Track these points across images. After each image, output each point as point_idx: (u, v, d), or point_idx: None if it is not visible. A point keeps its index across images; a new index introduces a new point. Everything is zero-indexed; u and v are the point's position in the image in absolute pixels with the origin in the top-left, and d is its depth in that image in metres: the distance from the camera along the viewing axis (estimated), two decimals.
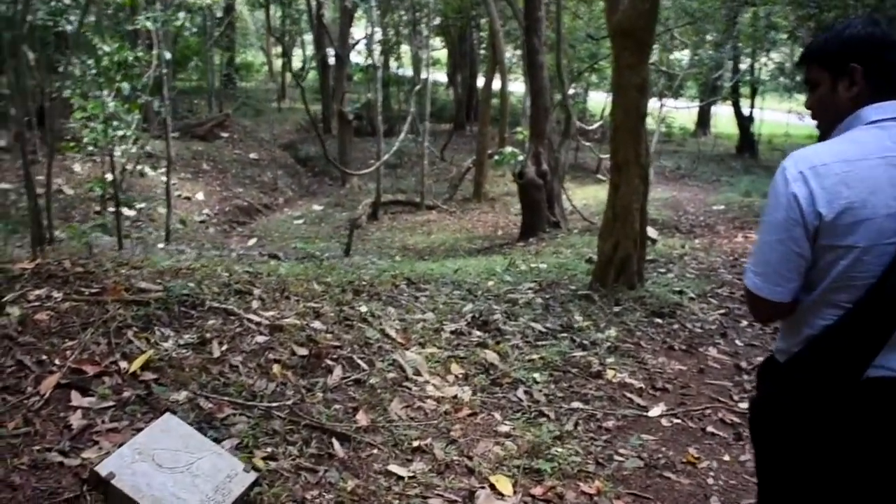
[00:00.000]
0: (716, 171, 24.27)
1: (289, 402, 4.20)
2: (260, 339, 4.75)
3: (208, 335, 4.61)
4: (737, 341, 6.55)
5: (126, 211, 9.90)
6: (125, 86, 8.86)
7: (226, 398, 4.07)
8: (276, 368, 4.46)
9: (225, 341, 4.61)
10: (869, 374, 2.07)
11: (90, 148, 9.40)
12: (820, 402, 2.15)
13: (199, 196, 19.00)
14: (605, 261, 7.23)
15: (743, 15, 19.25)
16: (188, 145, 21.81)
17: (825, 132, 2.24)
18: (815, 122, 2.30)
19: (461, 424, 4.41)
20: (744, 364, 5.97)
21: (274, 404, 4.14)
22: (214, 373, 4.28)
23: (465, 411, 4.59)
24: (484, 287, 7.34)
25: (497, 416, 4.62)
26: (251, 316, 4.99)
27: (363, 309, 5.76)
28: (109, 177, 9.80)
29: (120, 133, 9.37)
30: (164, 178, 14.30)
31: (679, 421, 4.89)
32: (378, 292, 6.49)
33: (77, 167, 16.32)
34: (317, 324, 5.20)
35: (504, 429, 4.44)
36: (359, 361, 4.87)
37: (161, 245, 12.61)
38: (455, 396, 4.74)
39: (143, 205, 13.90)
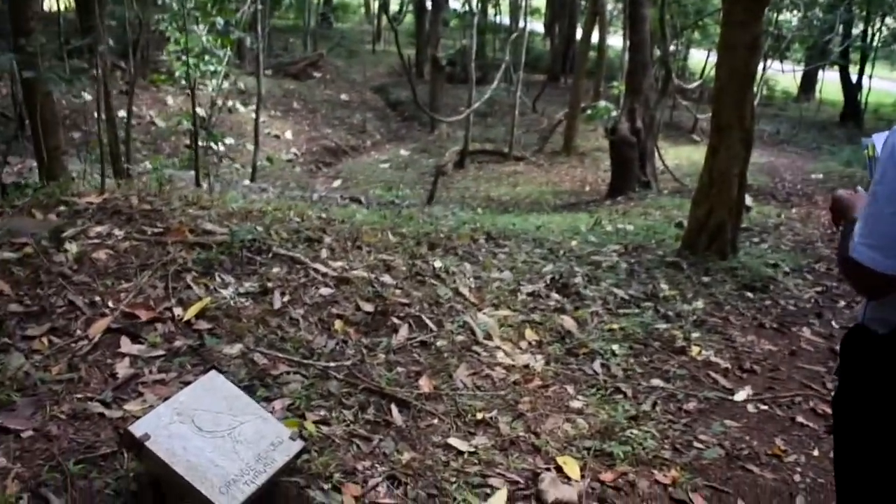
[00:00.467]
0: (817, 139, 23.21)
1: (348, 363, 3.92)
2: (325, 291, 4.48)
3: (270, 284, 4.36)
4: (833, 322, 6.03)
5: (214, 146, 9.75)
6: (219, 20, 8.68)
7: (281, 354, 3.81)
8: (338, 324, 4.19)
9: (287, 292, 4.35)
10: None
11: (182, 82, 9.27)
12: None
13: (288, 135, 18.95)
14: (697, 227, 6.76)
15: None
16: (280, 83, 21.74)
17: None
18: None
19: (530, 397, 4.08)
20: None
21: (332, 364, 3.86)
22: (273, 325, 4.02)
23: (536, 382, 4.25)
24: (567, 247, 6.95)
25: (570, 389, 4.26)
26: (318, 266, 4.72)
27: (437, 264, 5.43)
28: (200, 111, 9.68)
29: (212, 68, 9.24)
30: (253, 115, 14.21)
31: (766, 407, 4.46)
32: (455, 246, 6.16)
33: (170, 100, 16.35)
34: (386, 278, 4.91)
35: (577, 405, 4.09)
36: (427, 321, 4.55)
37: (246, 182, 12.52)
38: (526, 365, 4.40)
39: (231, 140, 13.79)
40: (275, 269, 4.56)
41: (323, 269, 4.70)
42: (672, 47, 22.97)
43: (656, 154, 13.79)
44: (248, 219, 5.27)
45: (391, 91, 25.01)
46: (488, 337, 4.58)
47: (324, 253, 5.04)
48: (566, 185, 17.23)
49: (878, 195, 1.88)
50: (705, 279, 6.43)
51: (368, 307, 4.47)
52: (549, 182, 17.45)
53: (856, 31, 26.68)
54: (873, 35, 26.88)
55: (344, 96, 23.16)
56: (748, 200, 10.77)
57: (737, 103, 6.38)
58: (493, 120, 22.75)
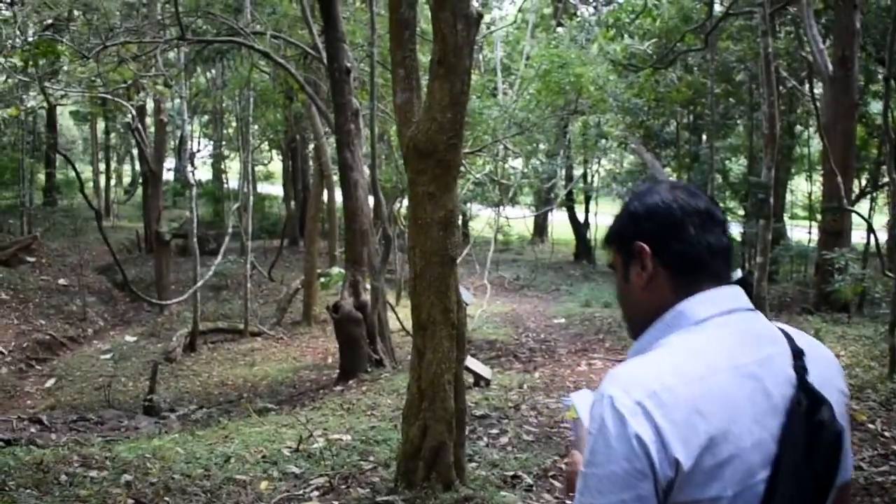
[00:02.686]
0: (555, 280, 22.92)
1: None
2: None
3: None
4: None
5: None
6: None
7: None
8: None
9: None
10: None
11: None
12: None
13: None
14: (411, 452, 5.12)
15: (573, 124, 18.23)
16: None
17: (634, 334, 1.60)
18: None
19: None
20: None
21: None
22: None
23: None
24: (252, 496, 5.11)
25: None
26: None
27: None
28: None
29: None
30: None
31: None
32: None
33: None
34: None
35: None
36: None
37: None
38: None
39: None
40: None
41: None
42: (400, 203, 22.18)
43: (388, 323, 12.32)
44: None
45: (118, 270, 22.44)
46: None
47: None
48: (308, 358, 15.48)
49: (587, 481, 1.39)
50: None
51: None
52: (290, 357, 15.64)
53: (577, 173, 27.29)
54: (592, 176, 27.61)
55: (62, 281, 20.42)
56: (487, 371, 9.43)
57: (439, 293, 4.92)
58: (229, 293, 20.78)
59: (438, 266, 4.87)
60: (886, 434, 6.70)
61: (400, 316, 17.31)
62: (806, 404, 1.40)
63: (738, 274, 1.58)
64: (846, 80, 13.85)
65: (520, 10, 21.99)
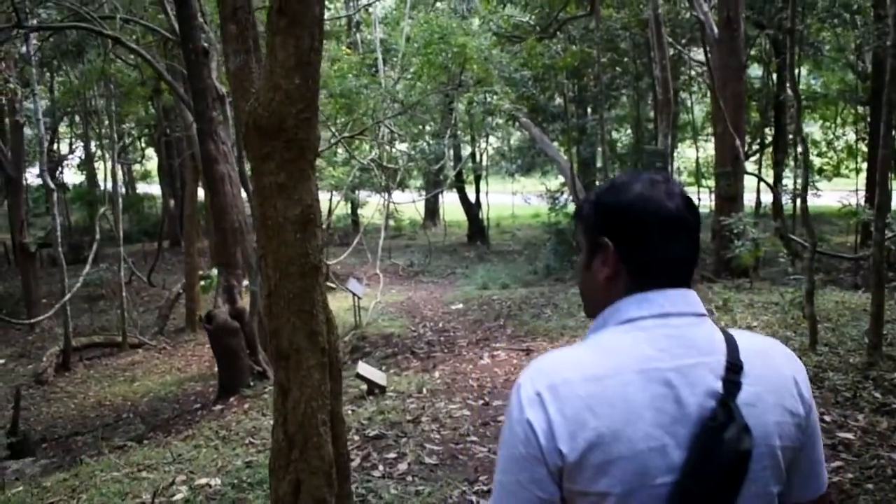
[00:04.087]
0: (450, 264, 21.90)
1: None
2: None
3: None
4: None
5: None
6: None
7: None
8: None
9: None
10: None
11: None
12: None
13: None
14: None
15: (458, 102, 17.17)
16: None
17: (589, 314, 1.59)
18: None
19: None
20: None
21: None
22: None
23: None
24: None
25: None
26: None
27: None
28: None
29: None
30: None
31: None
32: None
33: None
34: None
35: None
36: None
37: None
38: None
39: None
40: None
41: None
42: None
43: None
44: None
45: None
46: None
47: None
48: (193, 368, 14.07)
49: (499, 458, 1.46)
50: None
51: None
52: (173, 369, 14.21)
53: (465, 153, 26.32)
54: (481, 155, 26.67)
55: None
56: (381, 378, 8.28)
57: (302, 313, 3.71)
58: (106, 304, 18.99)
59: (298, 278, 3.66)
60: (827, 419, 5.83)
61: None
62: (721, 420, 1.35)
63: None
64: (732, 42, 13.19)
65: None
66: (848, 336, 8.22)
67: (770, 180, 19.32)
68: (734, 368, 1.39)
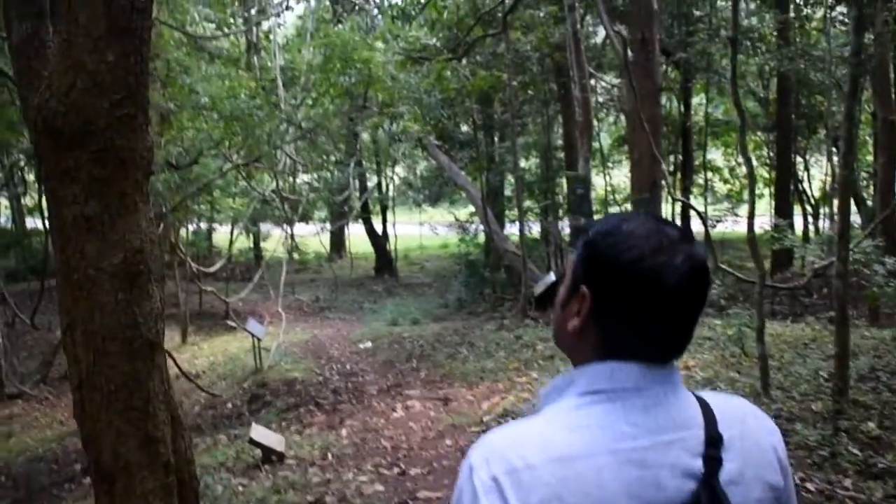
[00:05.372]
0: (357, 298, 20.53)
1: None
2: None
3: None
4: None
5: None
6: None
7: None
8: None
9: None
10: None
11: None
12: None
13: None
14: None
15: (364, 128, 15.95)
16: None
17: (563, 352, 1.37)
18: None
19: None
20: None
21: None
22: None
23: None
24: None
25: None
26: None
27: None
28: None
29: None
30: None
31: None
32: None
33: None
34: None
35: None
36: None
37: None
38: None
39: None
40: None
41: None
42: (186, 227, 19.23)
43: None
44: None
45: None
46: None
47: None
48: (75, 422, 12.33)
49: None
50: None
51: None
52: (55, 422, 12.54)
53: (371, 183, 25.10)
54: (387, 185, 25.46)
55: None
56: (279, 443, 6.91)
57: (129, 412, 2.39)
58: None
59: (123, 360, 2.34)
60: (811, 487, 4.76)
61: (181, 359, 14.43)
62: (706, 502, 1.16)
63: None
64: (648, 64, 12.36)
65: (300, 17, 19.55)
66: (800, 377, 7.26)
67: (678, 208, 18.72)
68: (715, 443, 1.20)
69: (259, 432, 6.90)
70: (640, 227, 1.22)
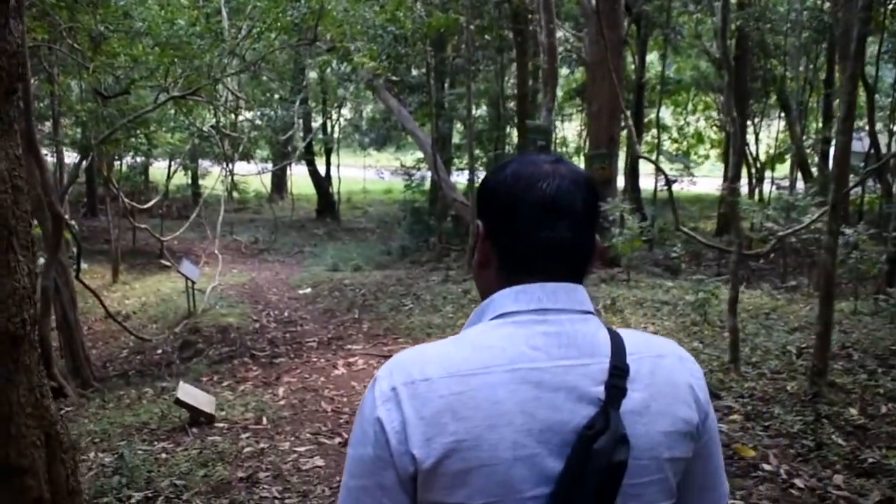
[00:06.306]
0: (297, 241, 19.69)
1: None
2: None
3: None
4: None
5: None
6: None
7: None
8: None
9: None
10: None
11: None
12: None
13: None
14: None
15: (311, 67, 14.95)
16: None
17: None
18: None
19: None
20: None
21: None
22: None
23: None
24: None
25: None
26: None
27: None
28: None
29: None
30: None
31: None
32: None
33: None
34: None
35: None
36: None
37: None
38: None
39: None
40: None
41: None
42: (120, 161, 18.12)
43: (80, 324, 8.67)
44: None
45: None
46: None
47: None
48: None
49: (347, 459, 1.22)
50: None
51: None
52: None
53: (316, 123, 24.00)
54: (333, 127, 24.40)
55: None
56: (208, 404, 6.17)
57: None
58: None
59: None
60: (798, 483, 4.25)
61: (112, 298, 13.47)
62: (599, 429, 1.13)
63: None
64: (613, 15, 11.66)
65: None
66: (768, 351, 6.78)
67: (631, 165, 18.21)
68: (619, 373, 1.17)
69: (186, 391, 6.15)
70: (521, 159, 1.26)
